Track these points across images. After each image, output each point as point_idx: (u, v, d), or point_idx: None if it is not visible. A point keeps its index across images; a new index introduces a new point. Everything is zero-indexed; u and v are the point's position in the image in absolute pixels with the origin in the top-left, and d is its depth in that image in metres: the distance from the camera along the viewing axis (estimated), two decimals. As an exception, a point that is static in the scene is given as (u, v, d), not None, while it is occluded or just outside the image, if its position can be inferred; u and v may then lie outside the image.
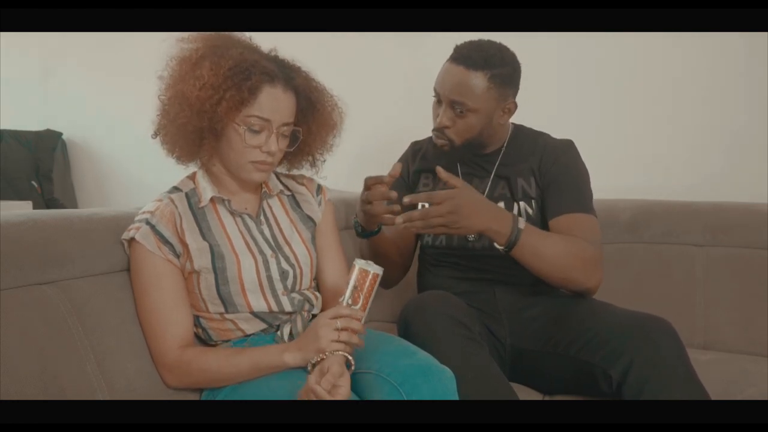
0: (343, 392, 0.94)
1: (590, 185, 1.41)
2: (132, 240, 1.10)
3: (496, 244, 1.24)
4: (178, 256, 1.11)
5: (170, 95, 1.11)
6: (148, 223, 1.10)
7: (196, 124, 1.09)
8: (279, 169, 1.29)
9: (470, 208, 1.19)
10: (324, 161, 1.28)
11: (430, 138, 1.55)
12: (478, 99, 1.32)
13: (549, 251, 1.25)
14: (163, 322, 1.09)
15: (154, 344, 1.09)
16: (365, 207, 1.30)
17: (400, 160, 1.58)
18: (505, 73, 1.33)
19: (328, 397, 0.92)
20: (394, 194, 1.27)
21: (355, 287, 1.03)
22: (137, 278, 1.11)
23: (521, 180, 1.40)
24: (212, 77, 1.06)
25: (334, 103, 1.23)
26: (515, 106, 1.39)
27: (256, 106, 1.09)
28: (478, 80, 1.31)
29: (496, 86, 1.32)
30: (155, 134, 1.16)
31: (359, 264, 1.04)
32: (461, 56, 1.33)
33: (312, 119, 1.19)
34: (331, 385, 0.93)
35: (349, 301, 1.03)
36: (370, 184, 1.29)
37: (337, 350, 0.99)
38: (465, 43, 1.37)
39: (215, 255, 1.12)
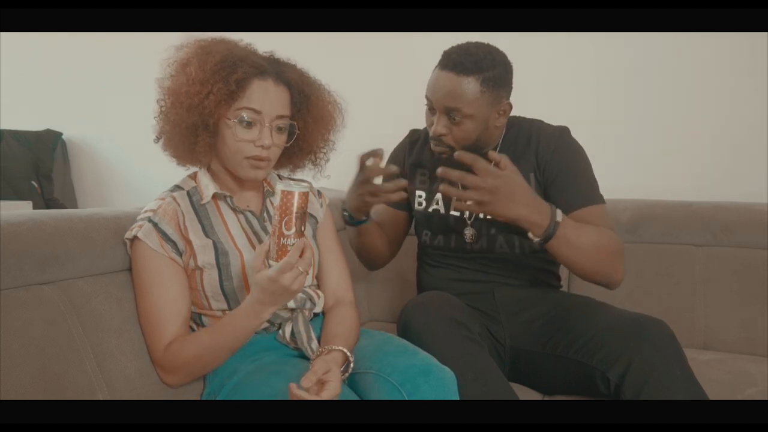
0: (332, 387, 0.94)
1: (592, 170, 1.38)
2: (134, 238, 1.10)
3: (530, 235, 1.21)
4: (180, 254, 1.11)
5: (164, 96, 1.12)
6: (150, 221, 1.11)
7: (188, 120, 1.09)
8: (282, 173, 1.30)
9: (511, 193, 1.17)
10: (327, 160, 1.28)
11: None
12: (472, 105, 1.28)
13: (584, 243, 1.23)
14: (162, 322, 1.09)
15: (152, 343, 1.10)
16: (363, 188, 1.29)
17: (396, 148, 1.57)
18: (496, 75, 1.29)
19: (309, 398, 0.92)
20: (394, 168, 1.27)
21: (289, 212, 0.97)
22: (138, 277, 1.11)
23: None
24: (199, 73, 1.07)
25: (331, 98, 1.23)
26: (510, 107, 1.36)
27: (245, 99, 1.09)
28: (471, 85, 1.27)
29: (489, 90, 1.29)
30: (157, 139, 1.17)
31: (283, 187, 0.97)
32: (451, 62, 1.29)
33: (307, 112, 1.18)
34: (312, 382, 0.94)
35: (284, 228, 0.97)
36: (365, 158, 1.29)
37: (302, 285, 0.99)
38: (453, 48, 1.33)
39: (219, 251, 1.12)
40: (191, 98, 1.07)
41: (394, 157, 1.56)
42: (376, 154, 1.31)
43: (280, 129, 1.14)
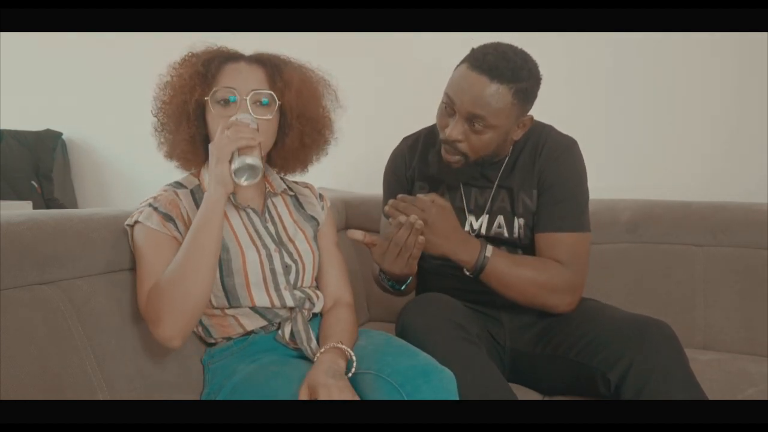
0: (342, 386, 0.96)
1: (586, 192, 1.33)
2: (135, 223, 1.10)
3: (464, 270, 1.25)
4: (182, 234, 1.10)
5: (155, 101, 1.18)
6: (151, 206, 1.11)
7: (169, 111, 1.15)
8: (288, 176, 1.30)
9: (441, 230, 1.19)
10: (327, 142, 1.25)
11: (426, 133, 1.45)
12: (499, 115, 1.19)
13: (515, 280, 1.24)
14: (151, 278, 1.06)
15: (139, 300, 1.06)
16: (395, 248, 1.17)
17: (393, 159, 1.50)
18: (529, 87, 1.21)
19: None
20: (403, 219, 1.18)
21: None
22: (138, 253, 1.10)
23: (523, 194, 1.33)
24: (174, 70, 1.17)
25: (315, 74, 1.23)
26: (531, 121, 1.29)
27: (220, 81, 1.14)
28: (502, 94, 1.18)
29: (520, 102, 1.20)
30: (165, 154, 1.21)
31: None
32: (485, 65, 1.18)
33: (288, 86, 1.16)
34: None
35: None
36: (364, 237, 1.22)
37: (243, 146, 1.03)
38: (487, 48, 1.22)
39: (221, 247, 1.12)
40: (170, 89, 1.15)
41: (395, 169, 1.47)
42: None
43: (260, 103, 1.14)
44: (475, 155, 1.26)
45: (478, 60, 1.20)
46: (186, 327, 1.04)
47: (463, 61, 1.24)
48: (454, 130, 1.23)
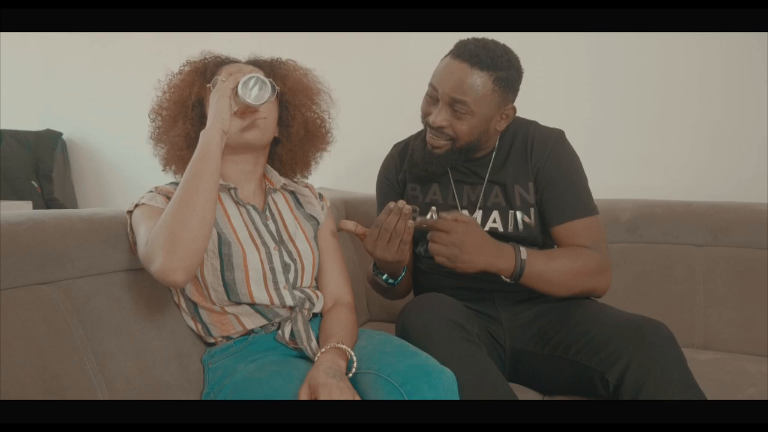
0: (343, 386, 0.96)
1: (585, 178, 1.35)
2: (136, 207, 1.11)
3: (503, 277, 1.25)
4: None
5: (154, 106, 1.23)
6: (152, 192, 1.14)
7: (166, 117, 1.18)
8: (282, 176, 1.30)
9: (473, 247, 1.18)
10: (328, 131, 1.29)
11: (415, 137, 1.46)
12: (479, 101, 1.24)
13: (555, 274, 1.25)
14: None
15: (140, 253, 1.05)
16: (385, 235, 1.18)
17: (385, 164, 1.52)
18: (509, 76, 1.26)
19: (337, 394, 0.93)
20: (392, 205, 1.19)
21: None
22: (137, 224, 1.09)
23: (518, 187, 1.34)
24: (173, 75, 1.23)
25: (308, 73, 1.27)
26: (514, 111, 1.32)
27: (219, 75, 1.17)
28: (482, 80, 1.23)
29: (500, 90, 1.25)
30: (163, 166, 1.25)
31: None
32: (466, 53, 1.24)
33: (285, 83, 1.21)
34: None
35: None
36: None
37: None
38: (469, 39, 1.28)
39: (222, 241, 1.13)
40: (168, 91, 1.20)
41: (387, 173, 1.50)
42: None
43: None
44: (460, 141, 1.29)
45: (460, 50, 1.26)
46: (187, 259, 0.99)
47: (447, 54, 1.30)
48: (437, 117, 1.27)
